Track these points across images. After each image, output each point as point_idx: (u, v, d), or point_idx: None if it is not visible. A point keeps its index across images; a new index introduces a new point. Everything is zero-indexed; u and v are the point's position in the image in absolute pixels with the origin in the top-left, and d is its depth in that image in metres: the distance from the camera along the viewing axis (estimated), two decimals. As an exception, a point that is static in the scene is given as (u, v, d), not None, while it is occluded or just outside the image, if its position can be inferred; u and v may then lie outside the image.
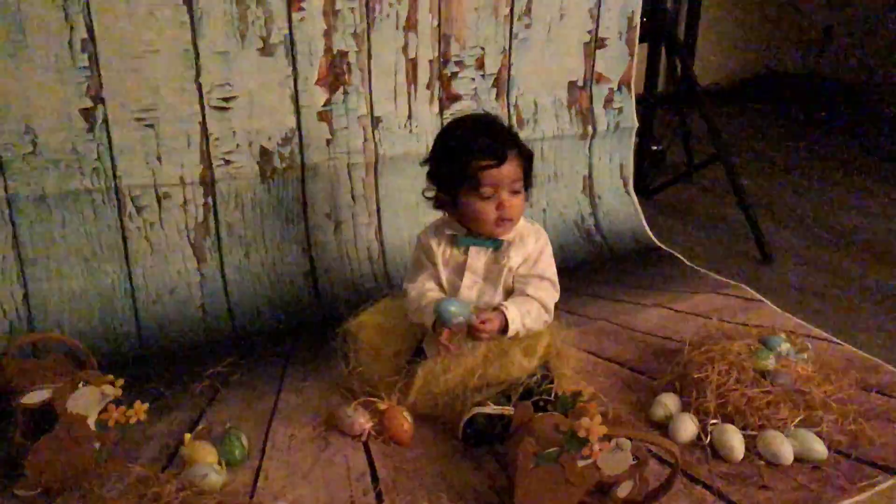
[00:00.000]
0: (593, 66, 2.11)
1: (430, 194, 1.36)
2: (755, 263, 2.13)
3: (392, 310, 1.47)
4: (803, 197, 2.74)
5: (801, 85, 4.33)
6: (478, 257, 1.34)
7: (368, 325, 1.44)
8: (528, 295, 1.32)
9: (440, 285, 1.36)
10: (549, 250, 1.36)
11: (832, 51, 4.26)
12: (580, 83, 2.11)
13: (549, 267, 1.36)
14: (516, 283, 1.34)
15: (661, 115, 2.90)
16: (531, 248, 1.33)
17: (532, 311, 1.30)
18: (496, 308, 1.29)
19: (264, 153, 1.73)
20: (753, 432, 1.24)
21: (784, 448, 1.19)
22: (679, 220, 2.51)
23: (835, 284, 1.98)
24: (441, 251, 1.36)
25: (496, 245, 1.33)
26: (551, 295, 1.34)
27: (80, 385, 1.19)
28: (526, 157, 1.31)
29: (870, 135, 3.57)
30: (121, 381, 1.22)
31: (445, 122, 1.90)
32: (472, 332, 1.26)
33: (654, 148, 2.84)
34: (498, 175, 1.26)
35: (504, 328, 1.27)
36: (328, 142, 1.79)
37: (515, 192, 1.29)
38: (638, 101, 2.27)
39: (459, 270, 1.35)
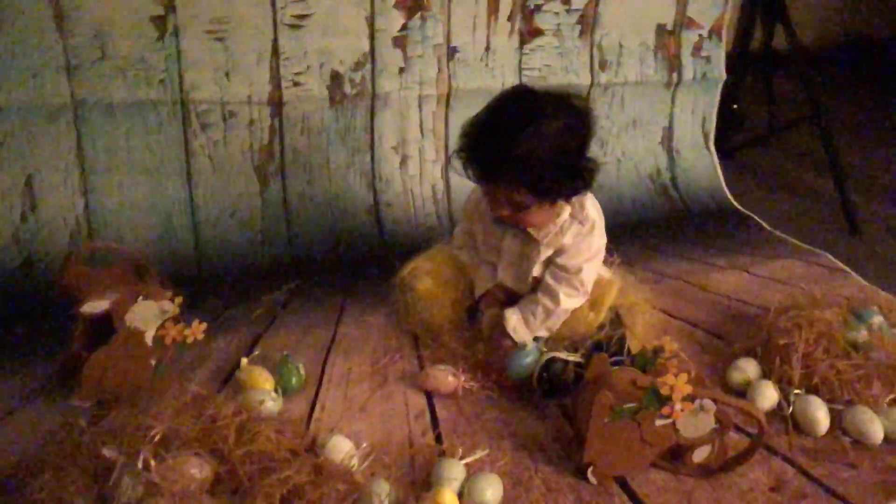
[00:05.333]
0: (685, 9, 1.98)
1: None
2: (840, 233, 2.01)
3: (446, 256, 1.39)
4: (893, 167, 2.57)
5: (892, 51, 4.07)
6: (512, 241, 1.24)
7: (423, 272, 1.36)
8: (536, 293, 1.23)
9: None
10: (588, 244, 1.20)
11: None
12: (669, 27, 1.98)
13: (575, 259, 1.20)
14: (547, 272, 1.22)
15: (743, 75, 2.74)
16: (567, 241, 1.19)
17: (537, 312, 1.21)
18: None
19: (335, 77, 1.67)
20: (840, 407, 1.16)
21: (874, 426, 1.11)
22: (758, 184, 2.38)
23: (926, 261, 1.85)
24: (481, 218, 1.28)
25: (526, 234, 1.21)
26: (568, 290, 1.20)
27: (140, 299, 1.16)
28: (533, 177, 1.08)
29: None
30: (180, 299, 1.19)
31: (524, 59, 1.82)
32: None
33: (735, 107, 2.69)
34: (491, 190, 1.14)
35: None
36: (401, 70, 1.72)
37: (522, 207, 1.13)
38: (728, 58, 2.13)
39: (496, 247, 1.27)
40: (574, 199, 1.18)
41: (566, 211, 1.18)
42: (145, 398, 1.09)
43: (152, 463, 0.86)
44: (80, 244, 1.52)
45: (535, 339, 1.21)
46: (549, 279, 1.21)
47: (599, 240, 1.22)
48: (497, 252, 1.27)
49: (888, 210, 2.18)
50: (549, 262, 1.22)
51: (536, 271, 1.23)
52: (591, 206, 1.21)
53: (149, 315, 1.16)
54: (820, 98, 2.14)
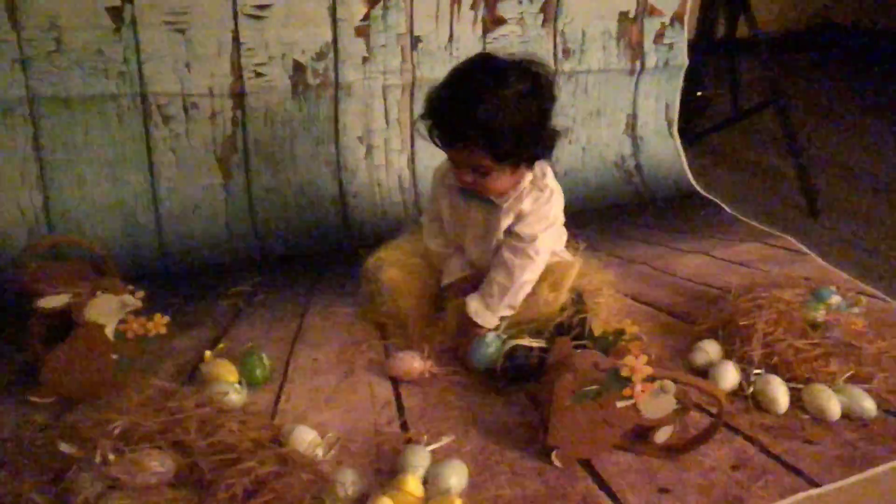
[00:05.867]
0: (647, -4, 1.99)
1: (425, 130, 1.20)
2: (802, 215, 2.04)
3: (413, 246, 1.40)
4: (854, 150, 2.61)
5: (856, 36, 4.13)
6: (476, 212, 1.25)
7: (389, 262, 1.37)
8: (490, 272, 1.24)
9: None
10: (546, 211, 1.21)
11: (891, 2, 4.04)
12: (631, 14, 1.99)
13: (532, 227, 1.21)
14: (503, 244, 1.24)
15: (706, 61, 2.76)
16: (525, 207, 1.21)
17: (494, 291, 1.22)
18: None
19: (297, 67, 1.65)
20: (799, 385, 1.18)
21: (831, 403, 1.13)
22: (722, 168, 2.41)
23: (886, 241, 1.88)
24: (445, 194, 1.29)
25: (489, 204, 1.22)
26: (522, 261, 1.21)
27: (100, 293, 1.14)
28: (495, 141, 1.10)
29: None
30: (142, 293, 1.18)
31: (488, 47, 1.82)
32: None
33: (700, 93, 2.71)
34: (454, 155, 1.17)
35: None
36: (364, 59, 1.71)
37: (484, 173, 1.15)
38: (691, 45, 2.15)
39: (462, 221, 1.28)
40: (536, 167, 1.20)
41: (527, 178, 1.20)
42: (107, 394, 1.08)
43: (111, 457, 0.85)
44: (42, 237, 1.49)
45: (497, 326, 1.22)
46: (503, 252, 1.22)
47: (557, 209, 1.24)
48: (462, 226, 1.28)
49: (848, 192, 2.22)
50: (507, 233, 1.23)
51: (501, 237, 1.24)
52: (552, 177, 1.24)
53: (109, 309, 1.14)
54: (780, 83, 2.16)
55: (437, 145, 1.18)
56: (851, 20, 4.29)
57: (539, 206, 1.21)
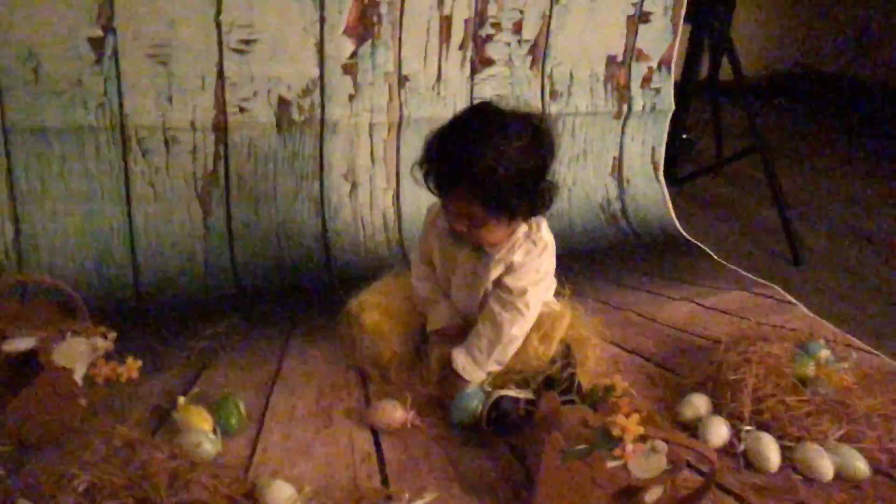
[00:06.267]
0: (635, 41, 1.99)
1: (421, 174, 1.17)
2: (785, 264, 2.03)
3: (396, 288, 1.36)
4: (836, 199, 2.63)
5: (836, 85, 4.20)
6: (466, 259, 1.22)
7: (371, 305, 1.32)
8: (478, 325, 1.20)
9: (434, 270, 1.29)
10: (538, 264, 1.18)
11: (869, 51, 4.13)
12: (619, 58, 1.99)
13: (523, 280, 1.17)
14: (491, 296, 1.20)
15: (690, 105, 2.79)
16: (517, 259, 1.17)
17: (483, 346, 1.18)
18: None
19: (282, 103, 1.62)
20: (790, 443, 1.15)
21: (824, 463, 1.11)
22: (706, 213, 2.41)
23: (868, 292, 1.88)
24: (438, 236, 1.25)
25: (480, 251, 1.19)
26: (510, 316, 1.17)
27: (69, 335, 1.10)
28: (492, 192, 1.07)
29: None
30: (114, 335, 1.14)
31: (475, 88, 1.81)
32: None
33: (685, 136, 2.73)
34: (450, 203, 1.13)
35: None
36: (351, 97, 1.69)
37: (479, 224, 1.12)
38: (675, 88, 2.16)
39: (450, 265, 1.25)
40: (531, 219, 1.17)
41: (521, 230, 1.17)
42: (74, 442, 1.03)
43: (75, 517, 0.81)
44: (8, 275, 1.44)
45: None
46: (492, 304, 1.18)
47: (549, 263, 1.20)
48: (450, 271, 1.25)
49: (829, 241, 2.22)
50: (496, 284, 1.19)
51: (489, 287, 1.20)
52: (546, 230, 1.20)
53: (79, 352, 1.10)
54: (761, 130, 2.17)
55: (432, 192, 1.15)
56: (832, 69, 4.37)
57: (531, 259, 1.17)
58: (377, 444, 1.14)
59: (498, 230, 1.14)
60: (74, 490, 0.85)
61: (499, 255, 1.17)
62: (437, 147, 1.11)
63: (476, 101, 1.77)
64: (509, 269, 1.18)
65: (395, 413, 1.16)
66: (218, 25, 1.52)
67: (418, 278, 1.32)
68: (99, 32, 1.44)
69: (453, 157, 1.08)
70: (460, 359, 1.19)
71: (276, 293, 1.62)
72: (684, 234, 2.11)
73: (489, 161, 1.04)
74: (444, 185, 1.11)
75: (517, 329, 1.18)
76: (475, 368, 1.18)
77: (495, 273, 1.18)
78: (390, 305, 1.32)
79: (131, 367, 1.11)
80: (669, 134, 2.22)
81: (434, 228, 1.25)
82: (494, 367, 1.20)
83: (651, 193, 2.16)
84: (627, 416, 0.94)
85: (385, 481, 1.05)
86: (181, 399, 1.15)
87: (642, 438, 0.94)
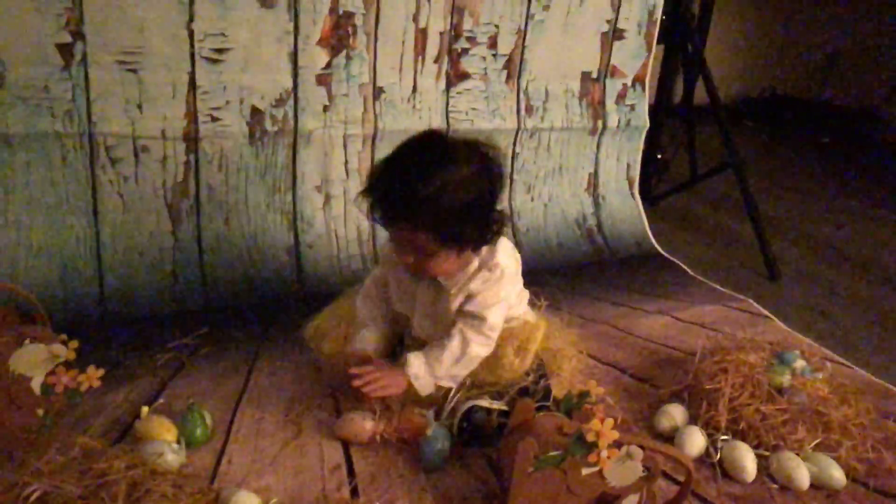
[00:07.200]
0: (609, 58, 2.01)
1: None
2: (760, 279, 2.04)
3: (352, 310, 1.30)
4: (808, 215, 2.66)
5: (804, 109, 4.27)
6: (424, 291, 1.19)
7: (326, 330, 1.29)
8: (444, 338, 1.16)
9: (388, 299, 1.25)
10: (495, 291, 1.15)
11: (836, 76, 4.22)
12: (594, 75, 2.00)
13: (481, 308, 1.14)
14: (457, 317, 1.16)
15: (664, 126, 2.82)
16: (474, 288, 1.14)
17: (444, 358, 1.14)
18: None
19: (255, 113, 1.61)
20: (766, 452, 1.14)
21: (800, 472, 1.10)
22: (681, 230, 2.41)
23: (841, 306, 1.89)
24: (393, 267, 1.22)
25: (437, 286, 1.17)
26: (478, 338, 1.14)
27: (27, 342, 1.05)
28: (438, 222, 1.04)
29: (873, 161, 3.52)
30: (75, 343, 1.09)
31: (451, 101, 1.81)
32: (361, 396, 1.15)
33: (659, 156, 2.75)
34: (396, 235, 1.10)
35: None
36: (325, 108, 1.67)
37: (427, 255, 1.08)
38: (650, 109, 2.18)
39: (410, 298, 1.22)
40: (484, 248, 1.14)
41: (476, 260, 1.14)
42: (29, 453, 0.99)
43: (25, 527, 0.77)
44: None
45: (437, 418, 1.14)
46: (460, 324, 1.15)
47: (509, 287, 1.17)
48: (411, 302, 1.22)
49: (802, 257, 2.24)
50: (459, 311, 1.16)
51: (453, 317, 1.17)
52: (503, 251, 1.16)
53: (37, 360, 1.05)
54: (735, 147, 2.19)
55: (378, 224, 1.11)
56: (797, 93, 4.45)
57: (488, 287, 1.14)
58: (347, 455, 1.11)
59: (447, 261, 1.10)
60: (26, 500, 0.81)
61: (456, 288, 1.14)
62: (380, 177, 1.07)
63: (444, 125, 1.80)
64: (469, 297, 1.15)
65: (364, 425, 1.13)
66: (190, 33, 1.50)
67: (364, 296, 1.27)
68: (67, 38, 1.42)
69: (396, 189, 1.04)
70: (416, 364, 1.15)
71: (246, 306, 1.59)
72: (660, 249, 2.11)
73: (432, 191, 1.01)
74: (390, 216, 1.07)
75: (484, 350, 1.16)
76: (428, 378, 1.15)
77: (455, 304, 1.15)
78: (346, 331, 1.28)
79: (92, 375, 1.06)
80: (644, 154, 2.23)
81: (391, 260, 1.21)
82: (447, 383, 1.16)
83: (626, 209, 2.16)
84: (602, 421, 0.92)
85: (355, 492, 1.02)
86: (144, 409, 1.11)
87: (617, 444, 0.92)
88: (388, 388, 1.14)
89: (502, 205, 1.12)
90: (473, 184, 1.05)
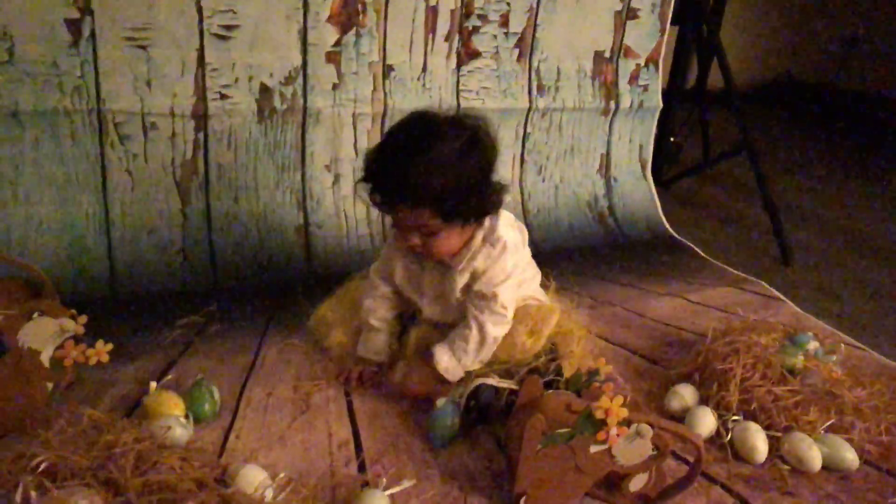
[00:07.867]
0: (622, 38, 1.98)
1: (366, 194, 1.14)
2: (773, 263, 2.02)
3: (355, 299, 1.31)
4: (822, 201, 2.63)
5: (821, 94, 4.22)
6: (431, 274, 1.20)
7: (331, 321, 1.31)
8: (462, 327, 1.16)
9: (396, 290, 1.25)
10: (501, 266, 1.14)
11: (854, 62, 4.16)
12: (607, 54, 1.98)
13: (489, 284, 1.14)
14: (467, 300, 1.17)
15: (678, 109, 2.79)
16: (479, 266, 1.15)
17: (469, 346, 1.15)
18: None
19: (264, 91, 1.59)
20: (778, 433, 1.13)
21: (812, 453, 1.08)
22: (693, 213, 2.39)
23: (854, 290, 1.87)
24: (400, 256, 1.22)
25: (444, 268, 1.17)
26: (492, 317, 1.14)
27: (36, 315, 1.05)
28: (437, 199, 1.05)
29: (889, 147, 3.48)
30: (84, 318, 1.09)
31: (462, 80, 1.79)
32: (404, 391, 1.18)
33: (672, 139, 2.72)
34: (398, 218, 1.11)
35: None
36: (335, 86, 1.66)
37: (430, 234, 1.09)
38: (663, 93, 2.15)
39: (417, 284, 1.22)
40: (486, 221, 1.14)
41: (479, 235, 1.14)
42: (38, 426, 0.99)
43: (33, 495, 0.76)
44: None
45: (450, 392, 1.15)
46: (471, 309, 1.15)
47: (513, 260, 1.16)
48: (419, 289, 1.22)
49: (816, 241, 2.21)
50: (468, 289, 1.17)
51: (459, 296, 1.18)
52: (505, 225, 1.16)
53: (46, 334, 1.06)
54: (750, 131, 2.16)
55: (379, 209, 1.12)
56: (813, 79, 4.40)
57: (493, 263, 1.14)
58: (355, 431, 1.10)
59: (451, 238, 1.11)
60: (34, 470, 0.81)
61: (461, 266, 1.15)
62: (375, 162, 1.09)
63: (455, 104, 1.79)
64: (475, 275, 1.15)
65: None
66: (199, 10, 1.49)
67: (372, 295, 1.26)
68: (76, 14, 1.41)
69: (391, 172, 1.05)
70: (444, 360, 1.15)
71: (255, 284, 1.59)
72: (672, 231, 2.09)
73: (425, 169, 1.03)
74: (389, 199, 1.08)
75: (500, 330, 1.16)
76: (459, 369, 1.15)
77: (461, 283, 1.16)
78: (351, 320, 1.30)
79: (101, 350, 1.06)
80: (656, 138, 2.20)
81: (396, 250, 1.22)
82: (477, 366, 1.17)
83: (638, 191, 2.14)
84: (611, 399, 0.91)
85: (362, 468, 1.02)
86: (153, 385, 1.11)
87: (627, 422, 0.91)
88: (419, 386, 1.17)
89: (499, 175, 1.13)
90: (465, 158, 1.06)
